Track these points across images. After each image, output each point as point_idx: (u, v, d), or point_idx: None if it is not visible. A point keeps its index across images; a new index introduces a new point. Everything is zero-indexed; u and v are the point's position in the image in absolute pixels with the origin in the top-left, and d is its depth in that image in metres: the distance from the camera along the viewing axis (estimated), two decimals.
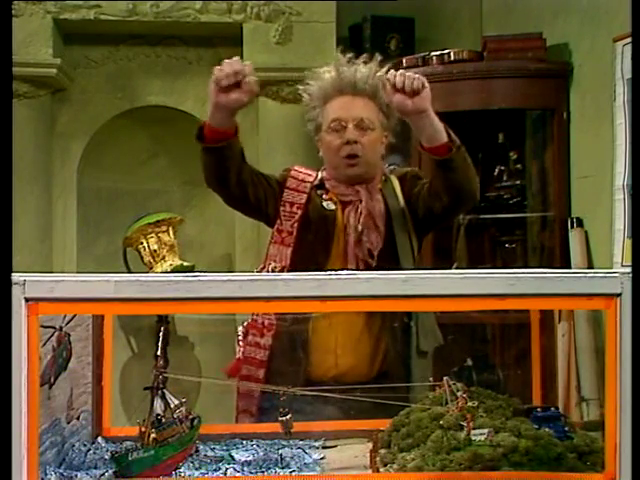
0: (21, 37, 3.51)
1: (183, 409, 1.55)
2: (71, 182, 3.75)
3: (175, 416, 1.51)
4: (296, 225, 2.06)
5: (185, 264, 3.67)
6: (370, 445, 1.50)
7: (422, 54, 3.46)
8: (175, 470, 1.41)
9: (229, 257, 3.95)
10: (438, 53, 3.39)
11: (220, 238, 3.98)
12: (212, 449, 1.57)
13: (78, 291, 1.22)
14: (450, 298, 1.23)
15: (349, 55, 2.07)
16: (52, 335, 1.42)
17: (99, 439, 1.63)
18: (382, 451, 1.44)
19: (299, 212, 2.07)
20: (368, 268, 1.99)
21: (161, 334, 1.55)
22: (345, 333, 2.01)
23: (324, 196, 2.10)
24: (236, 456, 1.50)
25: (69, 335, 1.50)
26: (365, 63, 2.10)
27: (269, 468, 1.42)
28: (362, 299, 1.23)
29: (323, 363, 1.98)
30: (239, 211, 2.20)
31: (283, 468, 1.42)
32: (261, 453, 1.52)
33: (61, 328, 1.47)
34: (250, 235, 3.82)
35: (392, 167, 2.22)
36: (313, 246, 2.05)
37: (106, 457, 1.50)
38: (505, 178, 3.45)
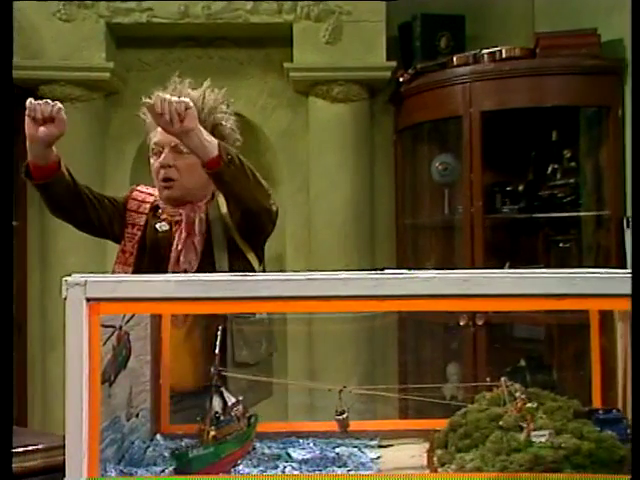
0: (75, 42, 3.58)
1: (240, 407, 1.56)
2: (124, 183, 3.78)
3: (233, 414, 1.52)
4: (136, 246, 2.13)
5: None
6: (426, 445, 1.50)
7: (473, 52, 3.44)
8: (234, 467, 1.42)
9: (280, 257, 3.97)
10: (489, 50, 3.37)
11: (271, 238, 3.98)
12: (269, 447, 1.57)
13: (139, 291, 1.24)
14: (510, 298, 1.22)
15: (189, 80, 2.11)
16: (112, 334, 1.44)
17: (157, 436, 1.65)
18: (439, 451, 1.43)
19: (139, 233, 2.14)
20: None
21: (219, 333, 1.56)
22: (178, 346, 1.97)
23: (160, 217, 2.15)
24: (293, 454, 1.50)
25: (128, 334, 1.52)
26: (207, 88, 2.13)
27: (326, 466, 1.43)
28: (421, 298, 1.23)
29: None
30: (87, 234, 2.25)
31: (340, 467, 1.42)
32: (317, 451, 1.52)
33: (120, 327, 1.49)
34: (301, 235, 3.84)
35: None
36: (149, 267, 2.09)
37: (165, 454, 1.52)
38: (559, 176, 3.41)
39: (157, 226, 2.14)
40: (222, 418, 1.49)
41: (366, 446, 1.56)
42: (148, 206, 2.18)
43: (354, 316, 3.20)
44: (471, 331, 3.29)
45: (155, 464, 1.49)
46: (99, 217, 2.14)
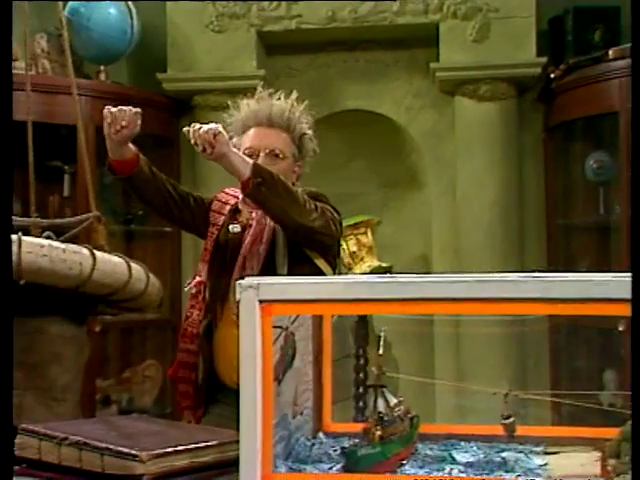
0: (227, 52, 3.71)
1: (402, 407, 1.57)
2: None
3: (395, 414, 1.53)
4: (212, 245, 2.25)
5: (383, 265, 3.71)
6: (595, 454, 1.45)
7: (630, 44, 3.29)
8: (399, 468, 1.42)
9: (426, 258, 3.96)
10: None
11: (417, 239, 4.00)
12: (430, 449, 1.57)
13: (309, 292, 1.27)
14: None
15: (270, 90, 2.28)
16: (280, 335, 1.49)
17: (320, 434, 1.68)
18: (612, 461, 1.38)
19: (216, 233, 2.25)
20: None
21: (382, 334, 1.57)
22: (228, 347, 2.12)
23: (237, 219, 2.25)
24: (457, 457, 1.49)
25: (294, 334, 1.56)
26: (286, 97, 2.27)
27: (493, 471, 1.40)
28: (594, 302, 1.19)
29: (223, 370, 2.19)
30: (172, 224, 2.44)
31: (508, 472, 1.40)
32: (482, 455, 1.50)
33: (287, 328, 1.53)
34: (447, 236, 3.81)
35: (300, 190, 2.29)
36: (218, 267, 2.22)
37: (330, 452, 1.55)
38: None
39: (230, 227, 2.25)
40: (386, 418, 1.50)
41: (531, 452, 1.53)
42: (229, 207, 2.29)
43: (503, 318, 3.14)
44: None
45: (321, 461, 1.51)
46: (181, 213, 2.28)
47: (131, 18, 3.56)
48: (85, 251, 1.78)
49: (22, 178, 3.44)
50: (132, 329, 3.82)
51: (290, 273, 2.13)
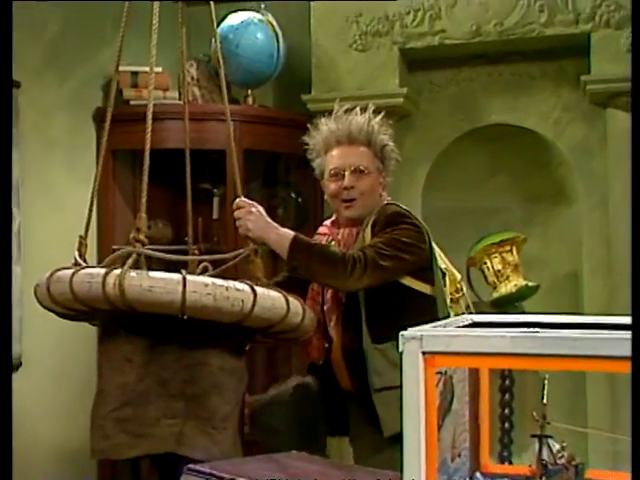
0: (369, 70, 3.70)
1: (565, 454, 1.52)
2: (416, 204, 3.82)
3: (559, 462, 1.49)
4: None
5: (530, 284, 3.61)
6: None
7: None
8: None
9: (575, 276, 3.82)
10: None
11: (565, 256, 3.86)
12: None
13: (474, 346, 1.26)
14: None
15: (347, 106, 2.34)
16: (439, 380, 1.47)
17: (477, 474, 1.66)
18: None
19: None
20: (341, 310, 2.28)
21: (546, 381, 1.53)
22: (334, 358, 2.33)
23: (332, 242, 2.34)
24: None
25: (452, 378, 1.54)
26: (362, 111, 2.34)
27: None
28: None
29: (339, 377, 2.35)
30: None
31: None
32: None
33: (445, 372, 1.52)
34: (599, 252, 3.65)
35: (387, 201, 2.36)
36: (318, 292, 2.32)
37: None
38: None
39: None
40: (550, 467, 1.46)
41: None
42: (325, 239, 2.37)
43: None
44: None
45: None
46: None
47: (277, 42, 3.62)
48: (247, 288, 1.83)
49: (174, 201, 3.61)
50: (277, 347, 3.91)
51: (375, 292, 2.20)
